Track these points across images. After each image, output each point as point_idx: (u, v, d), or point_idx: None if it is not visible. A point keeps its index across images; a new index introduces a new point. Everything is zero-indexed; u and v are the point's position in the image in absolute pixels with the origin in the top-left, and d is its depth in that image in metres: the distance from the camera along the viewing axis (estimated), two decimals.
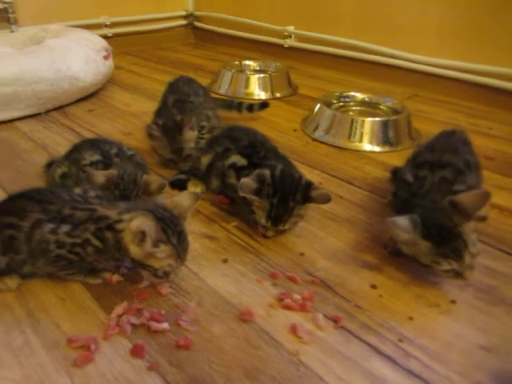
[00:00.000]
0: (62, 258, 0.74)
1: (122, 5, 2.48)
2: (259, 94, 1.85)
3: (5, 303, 0.75)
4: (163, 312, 0.74)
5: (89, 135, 1.39)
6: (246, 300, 0.78)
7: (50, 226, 0.73)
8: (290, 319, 0.74)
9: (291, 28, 2.32)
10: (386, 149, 1.40)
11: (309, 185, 0.92)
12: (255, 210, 0.93)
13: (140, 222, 0.69)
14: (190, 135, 1.16)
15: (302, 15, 2.28)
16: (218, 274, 0.84)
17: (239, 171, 1.00)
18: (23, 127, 1.46)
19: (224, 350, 0.68)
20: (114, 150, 0.99)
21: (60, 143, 1.35)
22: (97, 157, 0.96)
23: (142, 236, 0.69)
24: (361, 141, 1.41)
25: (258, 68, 2.03)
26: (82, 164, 0.97)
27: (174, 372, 0.64)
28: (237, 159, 1.01)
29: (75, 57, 1.58)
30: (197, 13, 2.78)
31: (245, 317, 0.74)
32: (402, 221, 0.76)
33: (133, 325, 0.71)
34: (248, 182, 0.90)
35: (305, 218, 0.98)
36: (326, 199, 0.91)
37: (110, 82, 1.89)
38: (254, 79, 1.87)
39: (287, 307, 0.76)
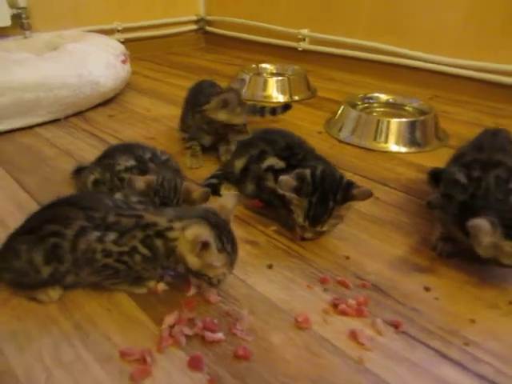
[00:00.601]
0: (109, 267, 0.71)
1: (134, 10, 2.46)
2: (277, 96, 1.83)
3: (49, 316, 0.72)
4: (216, 321, 0.71)
5: (112, 141, 1.36)
6: (298, 307, 0.75)
7: (95, 234, 0.70)
8: (348, 325, 0.71)
9: (305, 31, 2.30)
10: (413, 150, 1.37)
11: (350, 184, 0.89)
12: (294, 209, 0.90)
13: (197, 231, 0.66)
14: None
15: (316, 17, 2.26)
16: (266, 280, 0.81)
17: (277, 174, 0.97)
18: (45, 133, 1.43)
19: (286, 359, 0.65)
20: (147, 155, 0.97)
21: (84, 149, 1.32)
22: (131, 162, 0.93)
23: (202, 246, 0.66)
24: (386, 141, 1.39)
25: (275, 71, 2.01)
26: (116, 170, 0.94)
27: None
28: (274, 161, 0.98)
29: (96, 61, 1.56)
30: (208, 17, 2.76)
31: (302, 324, 0.70)
32: (484, 224, 0.72)
33: (186, 335, 0.68)
34: (288, 179, 0.87)
35: (344, 220, 0.95)
36: (368, 195, 0.88)
37: (127, 86, 1.87)
38: (273, 82, 1.84)
39: (343, 313, 0.73)
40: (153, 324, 0.71)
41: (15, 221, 0.77)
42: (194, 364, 0.63)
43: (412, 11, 1.91)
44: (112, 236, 0.70)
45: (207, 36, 2.83)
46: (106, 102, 1.71)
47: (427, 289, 0.79)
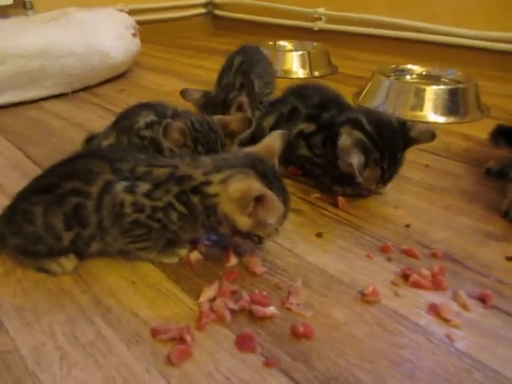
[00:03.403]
0: (140, 224, 0.58)
1: None
2: (297, 71, 1.71)
3: (61, 289, 0.60)
4: (265, 294, 0.58)
5: None
6: (361, 278, 0.62)
7: (124, 183, 0.57)
8: (425, 299, 0.59)
9: (321, 9, 2.18)
10: (452, 119, 1.25)
11: (403, 124, 0.77)
12: (360, 180, 0.76)
13: (244, 185, 0.54)
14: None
15: None
16: (317, 249, 0.68)
17: (309, 139, 0.85)
18: (51, 107, 1.31)
19: (357, 339, 0.52)
20: (169, 112, 0.84)
21: (94, 120, 1.20)
22: (152, 117, 0.81)
23: (256, 202, 0.54)
24: (422, 110, 1.26)
25: (293, 48, 1.88)
26: (135, 128, 0.81)
27: (300, 368, 0.48)
28: (304, 126, 0.86)
29: (105, 31, 1.44)
30: (217, 0, 2.64)
31: (369, 297, 0.58)
32: None
33: (231, 310, 0.55)
34: (359, 157, 0.72)
35: (398, 188, 0.83)
36: (431, 135, 0.76)
37: (136, 65, 1.75)
38: (291, 56, 1.73)
39: (416, 285, 0.61)
40: (188, 298, 0.58)
41: None
42: (245, 344, 0.51)
43: None
44: (144, 187, 0.57)
45: (216, 20, 2.70)
46: (115, 78, 1.58)
47: (510, 259, 0.67)
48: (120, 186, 0.57)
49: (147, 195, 0.57)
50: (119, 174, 0.58)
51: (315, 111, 0.86)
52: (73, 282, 0.61)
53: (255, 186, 0.54)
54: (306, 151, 0.86)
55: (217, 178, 0.57)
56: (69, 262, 0.62)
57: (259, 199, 0.54)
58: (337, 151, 0.76)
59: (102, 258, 0.64)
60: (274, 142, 0.63)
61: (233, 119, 0.75)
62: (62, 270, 0.61)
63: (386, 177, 0.76)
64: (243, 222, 0.56)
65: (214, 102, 0.96)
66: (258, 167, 0.57)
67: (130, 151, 0.61)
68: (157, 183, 0.57)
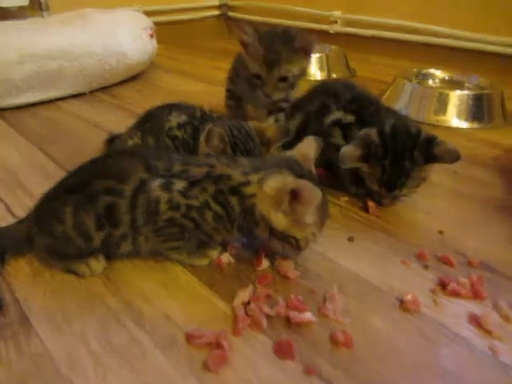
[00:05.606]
0: (175, 223, 0.57)
1: None
2: (315, 73, 1.70)
3: (92, 291, 0.58)
4: (301, 299, 0.56)
5: None
6: (398, 286, 0.60)
7: (159, 180, 0.56)
8: (465, 309, 0.57)
9: (337, 13, 2.17)
10: (476, 125, 1.23)
11: (430, 140, 0.75)
12: (364, 177, 0.77)
13: (279, 182, 0.52)
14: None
15: None
16: (349, 254, 0.67)
17: (346, 129, 0.83)
18: (68, 107, 1.31)
19: (398, 348, 0.51)
20: (198, 113, 0.83)
21: (113, 121, 1.19)
22: (184, 118, 0.80)
23: (291, 196, 0.52)
24: (445, 115, 1.25)
25: None
26: (166, 128, 0.80)
27: (341, 378, 0.47)
28: (341, 115, 0.84)
29: (124, 32, 1.43)
30: (231, 2, 2.63)
31: (409, 305, 0.56)
32: None
33: (267, 315, 0.54)
34: (349, 149, 0.74)
35: (428, 194, 0.81)
36: (455, 157, 0.74)
37: (152, 66, 1.74)
38: None
39: (455, 294, 0.59)
40: (222, 301, 0.57)
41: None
42: (283, 351, 0.49)
43: None
44: (180, 184, 0.56)
45: (230, 22, 2.70)
46: (132, 79, 1.58)
47: None
48: (156, 183, 0.56)
49: (182, 193, 0.56)
50: (154, 172, 0.56)
51: (351, 106, 0.84)
52: (102, 284, 0.59)
53: (289, 179, 0.53)
54: (341, 140, 0.83)
55: (255, 178, 0.56)
56: (97, 264, 0.60)
57: (294, 194, 0.52)
58: None
59: (130, 261, 0.63)
60: (309, 148, 0.62)
61: (269, 127, 0.74)
62: (91, 272, 0.60)
63: (385, 178, 0.74)
64: (279, 220, 0.55)
65: None
66: (295, 169, 0.56)
67: (164, 151, 0.60)
68: (193, 181, 0.56)
